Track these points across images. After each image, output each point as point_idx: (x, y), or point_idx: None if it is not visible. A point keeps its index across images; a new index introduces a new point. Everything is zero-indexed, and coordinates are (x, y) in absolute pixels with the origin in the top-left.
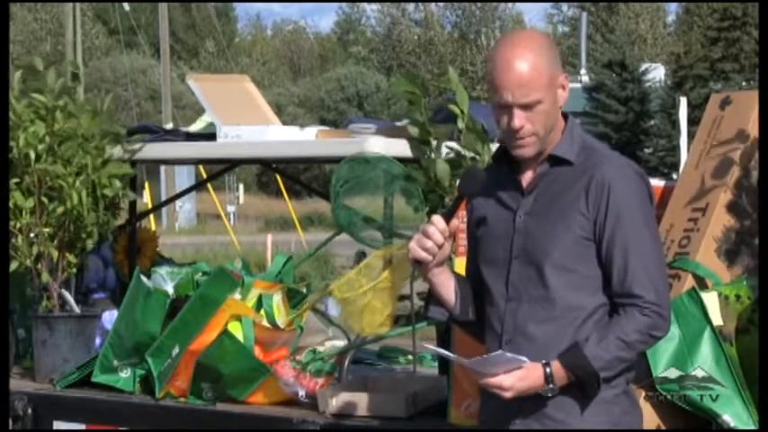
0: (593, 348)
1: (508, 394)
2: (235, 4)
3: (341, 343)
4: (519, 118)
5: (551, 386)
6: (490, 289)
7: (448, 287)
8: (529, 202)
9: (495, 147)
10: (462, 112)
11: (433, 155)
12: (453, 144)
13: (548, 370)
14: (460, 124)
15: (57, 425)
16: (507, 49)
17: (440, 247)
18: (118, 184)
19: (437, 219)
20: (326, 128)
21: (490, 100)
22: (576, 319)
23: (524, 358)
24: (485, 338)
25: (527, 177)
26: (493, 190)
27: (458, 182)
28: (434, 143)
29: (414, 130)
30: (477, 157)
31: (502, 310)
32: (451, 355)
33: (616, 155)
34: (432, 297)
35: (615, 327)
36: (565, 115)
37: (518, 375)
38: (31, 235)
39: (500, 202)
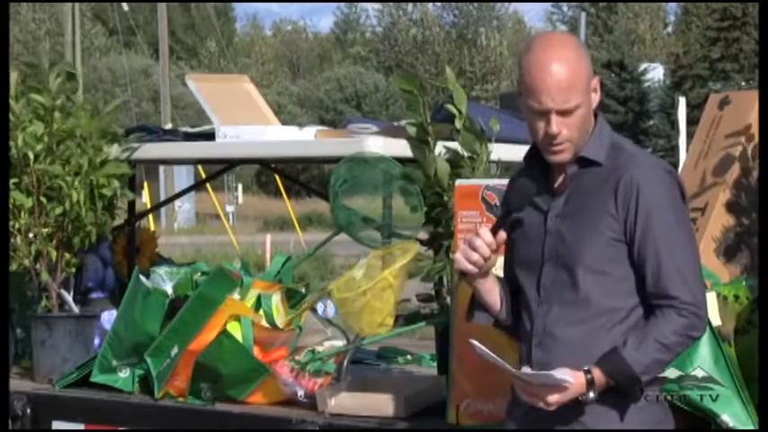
0: (633, 353)
1: (551, 408)
2: (234, 4)
3: (340, 343)
4: (557, 124)
5: (591, 394)
6: (524, 291)
7: (493, 293)
8: (559, 203)
9: (492, 147)
10: (460, 111)
11: (431, 154)
12: (451, 143)
13: (589, 377)
14: (458, 124)
15: (56, 425)
16: (545, 52)
17: (486, 259)
18: (116, 183)
19: (485, 232)
20: (325, 128)
21: (523, 103)
22: (609, 323)
23: (570, 379)
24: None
25: (558, 179)
26: None
27: (504, 194)
28: (432, 143)
29: (412, 130)
30: (475, 156)
31: (533, 313)
32: (499, 360)
33: (645, 154)
34: (476, 303)
35: (653, 329)
36: (595, 114)
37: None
38: (30, 235)
39: (532, 204)
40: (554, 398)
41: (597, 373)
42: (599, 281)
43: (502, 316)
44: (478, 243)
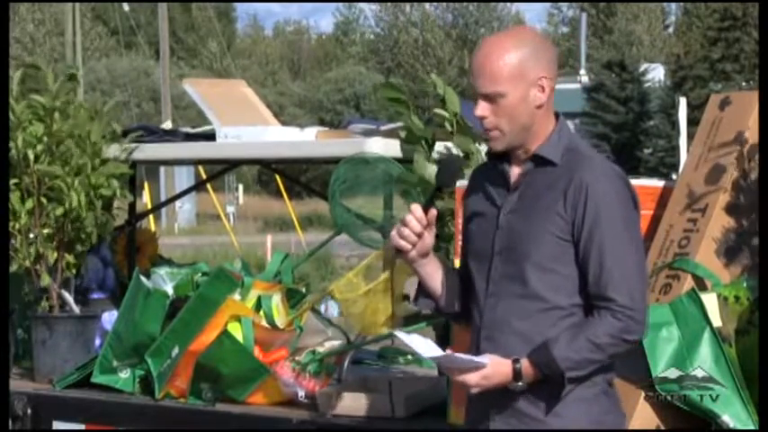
0: (563, 349)
1: (474, 390)
2: (235, 5)
3: (340, 343)
4: (481, 108)
5: (520, 384)
6: (474, 284)
7: (435, 279)
8: (513, 199)
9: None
10: (455, 114)
11: (423, 156)
12: (445, 145)
13: (517, 366)
14: (448, 126)
15: (56, 425)
16: (488, 39)
17: (418, 235)
18: (115, 184)
19: (414, 207)
20: (326, 128)
21: None
22: (554, 318)
23: (484, 361)
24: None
25: (515, 174)
26: (484, 186)
27: (436, 173)
28: (427, 145)
29: (402, 134)
30: (470, 155)
31: (481, 305)
32: (416, 349)
33: (600, 157)
34: (420, 288)
35: (587, 328)
36: (556, 116)
37: (482, 374)
38: (30, 236)
39: (488, 198)
40: (474, 380)
41: (526, 364)
42: (546, 277)
43: (441, 302)
44: (408, 218)
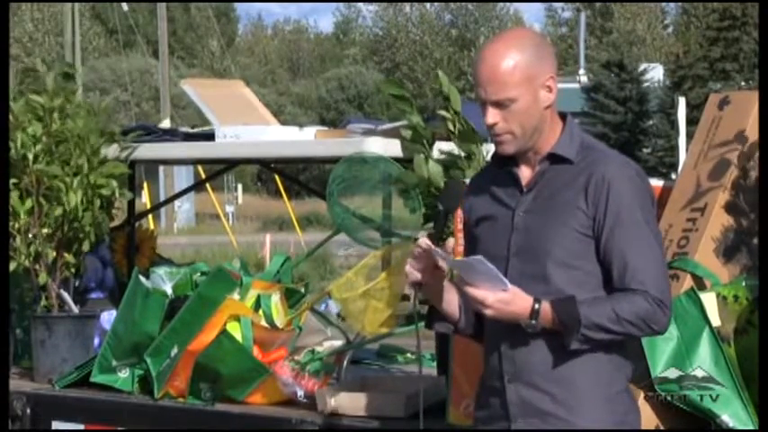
0: (585, 308)
1: (488, 312)
2: (236, 5)
3: (339, 343)
4: (491, 115)
5: (534, 322)
6: None
7: (453, 304)
8: (528, 199)
9: (487, 147)
10: (456, 112)
11: (423, 155)
12: (447, 144)
13: (536, 306)
14: (450, 126)
15: (55, 425)
16: (488, 45)
17: (436, 267)
18: (114, 183)
19: (421, 241)
20: (325, 128)
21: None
22: None
23: (507, 282)
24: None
25: (526, 175)
26: (491, 189)
27: (439, 197)
28: (428, 144)
29: (407, 133)
30: (472, 156)
31: None
32: (440, 252)
33: (616, 153)
34: (436, 312)
35: (613, 299)
36: (563, 115)
37: (502, 298)
38: (30, 236)
39: (498, 200)
40: (492, 299)
41: (545, 306)
42: (569, 274)
43: (461, 324)
44: (418, 252)
